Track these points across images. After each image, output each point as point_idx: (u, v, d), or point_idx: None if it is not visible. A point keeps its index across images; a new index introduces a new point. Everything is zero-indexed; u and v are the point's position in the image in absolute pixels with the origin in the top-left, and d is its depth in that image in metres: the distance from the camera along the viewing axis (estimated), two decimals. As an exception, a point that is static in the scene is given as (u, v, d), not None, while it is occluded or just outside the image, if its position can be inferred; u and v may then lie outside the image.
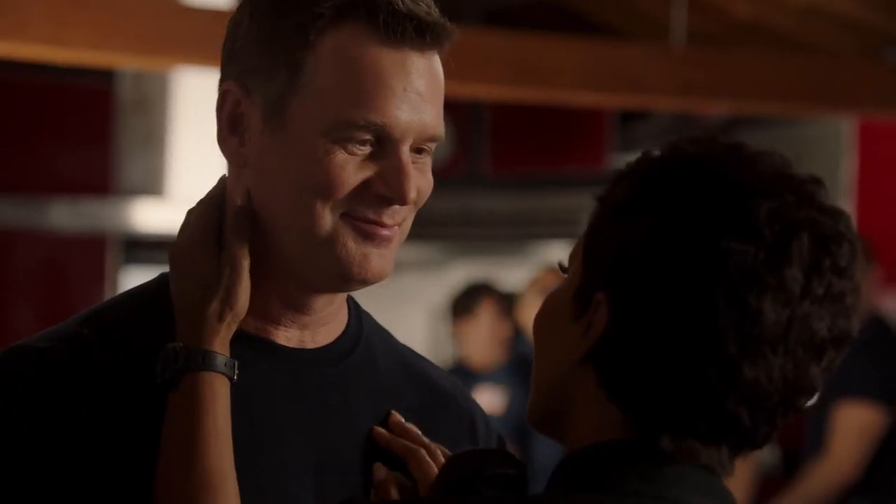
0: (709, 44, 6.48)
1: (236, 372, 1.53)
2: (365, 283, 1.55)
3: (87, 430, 1.50)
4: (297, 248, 1.55)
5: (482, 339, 6.02)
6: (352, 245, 1.53)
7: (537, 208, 7.69)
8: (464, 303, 6.07)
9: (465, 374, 5.76)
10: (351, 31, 1.52)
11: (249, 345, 1.57)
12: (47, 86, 7.11)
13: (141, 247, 6.90)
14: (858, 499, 5.17)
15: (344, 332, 1.65)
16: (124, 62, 5.20)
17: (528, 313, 6.00)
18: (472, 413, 1.74)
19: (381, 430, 1.62)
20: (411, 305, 7.97)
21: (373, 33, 1.51)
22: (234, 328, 1.54)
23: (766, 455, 6.12)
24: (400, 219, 1.55)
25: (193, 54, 4.64)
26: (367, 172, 1.52)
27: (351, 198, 1.52)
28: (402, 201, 1.53)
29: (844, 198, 6.69)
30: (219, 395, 1.51)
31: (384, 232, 1.54)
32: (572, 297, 1.47)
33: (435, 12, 1.53)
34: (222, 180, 1.61)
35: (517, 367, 5.89)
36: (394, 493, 1.58)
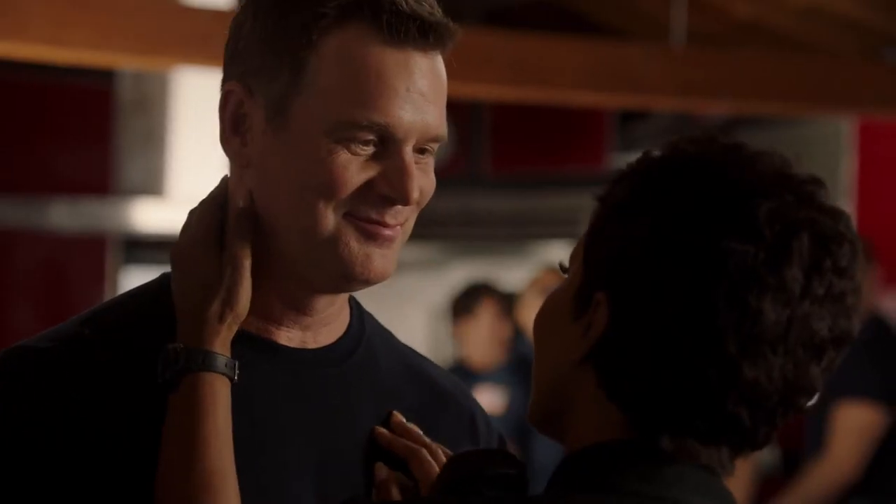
0: (709, 44, 6.48)
1: (237, 372, 1.53)
2: (367, 283, 1.55)
3: (88, 431, 1.50)
4: (299, 249, 1.55)
5: (482, 339, 6.02)
6: (354, 245, 1.53)
7: (537, 208, 7.69)
8: (464, 303, 6.07)
9: (465, 374, 5.76)
10: (354, 31, 1.52)
11: (251, 345, 1.57)
12: (47, 86, 7.11)
13: (141, 247, 6.90)
14: (858, 499, 5.17)
15: (346, 333, 1.65)
16: (124, 62, 5.20)
17: (528, 313, 6.00)
18: (472, 412, 1.74)
19: (383, 430, 1.62)
20: (411, 305, 7.97)
21: (376, 33, 1.51)
22: (235, 329, 1.54)
23: (766, 455, 6.11)
24: (402, 219, 1.55)
25: (193, 54, 4.64)
26: (370, 172, 1.52)
27: (354, 198, 1.52)
28: (405, 201, 1.53)
29: (844, 198, 6.69)
30: (219, 395, 1.51)
31: (387, 232, 1.54)
32: (573, 297, 1.47)
33: (438, 12, 1.53)
34: (224, 181, 1.61)
35: (517, 367, 5.89)
36: (395, 493, 1.58)
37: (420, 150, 1.55)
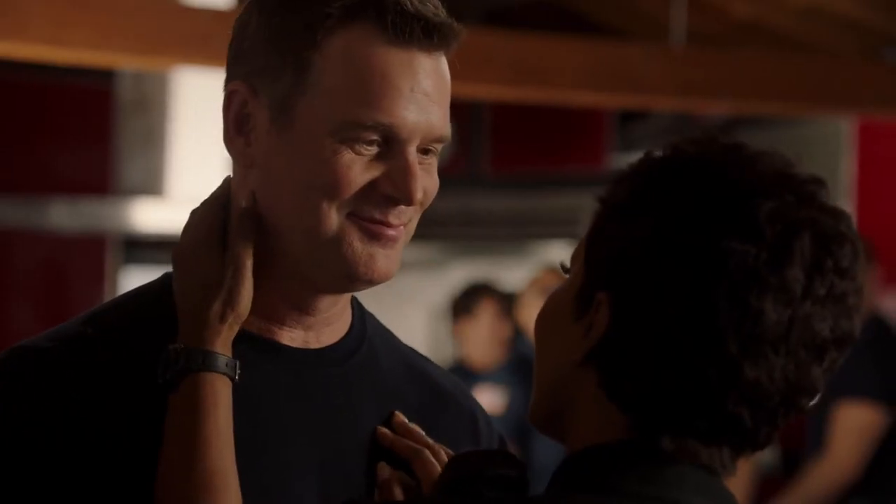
0: (709, 44, 6.48)
1: (238, 372, 1.53)
2: (371, 283, 1.55)
3: (90, 430, 1.50)
4: (302, 248, 1.55)
5: (482, 339, 6.02)
6: (358, 245, 1.53)
7: (537, 208, 7.69)
8: (464, 303, 6.07)
9: (465, 374, 5.76)
10: (359, 32, 1.52)
11: (253, 345, 1.57)
12: (47, 86, 7.11)
13: (141, 247, 6.90)
14: (858, 499, 5.17)
15: (348, 333, 1.65)
16: (124, 62, 5.20)
17: (528, 313, 6.00)
18: (473, 412, 1.74)
19: (385, 430, 1.62)
20: (411, 305, 7.97)
21: (381, 34, 1.51)
22: (236, 329, 1.54)
23: (766, 455, 6.11)
24: (406, 219, 1.56)
25: (193, 54, 4.64)
26: (374, 173, 1.52)
27: (357, 198, 1.52)
28: (409, 202, 1.53)
29: (844, 198, 6.69)
30: (220, 395, 1.51)
31: (390, 232, 1.54)
32: (574, 297, 1.47)
33: (442, 13, 1.54)
34: (227, 181, 1.61)
35: (517, 367, 5.89)
36: (398, 493, 1.58)
37: (424, 151, 1.55)
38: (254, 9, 1.56)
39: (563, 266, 1.53)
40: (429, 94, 1.53)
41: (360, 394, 1.62)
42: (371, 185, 1.52)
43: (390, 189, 1.52)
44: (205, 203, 1.60)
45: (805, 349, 1.40)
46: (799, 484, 5.30)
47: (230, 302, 1.53)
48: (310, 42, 1.52)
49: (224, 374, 1.51)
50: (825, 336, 1.41)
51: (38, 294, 7.35)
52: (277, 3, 1.54)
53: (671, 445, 1.41)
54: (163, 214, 5.27)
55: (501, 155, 8.10)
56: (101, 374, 1.53)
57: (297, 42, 1.52)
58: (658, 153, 1.48)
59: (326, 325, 1.62)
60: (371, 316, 1.71)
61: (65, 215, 5.76)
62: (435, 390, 1.71)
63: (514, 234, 8.00)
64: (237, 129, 1.57)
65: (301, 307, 1.59)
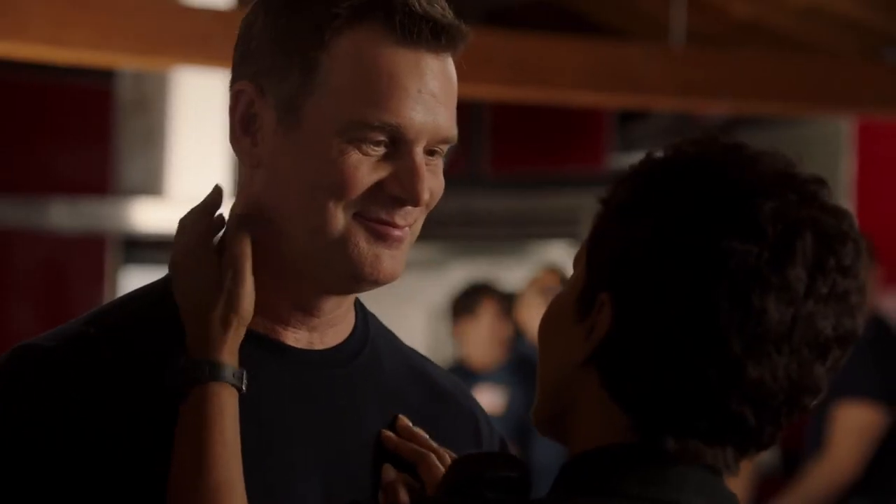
0: (709, 44, 6.48)
1: (245, 382, 1.52)
2: (376, 283, 1.55)
3: (91, 430, 1.50)
4: (308, 249, 1.55)
5: (482, 339, 6.01)
6: (364, 245, 1.53)
7: (537, 208, 7.69)
8: (464, 303, 6.07)
9: (465, 374, 5.76)
10: (367, 32, 1.52)
11: (258, 344, 1.57)
12: (47, 86, 7.11)
13: (140, 247, 6.91)
14: (858, 499, 5.16)
15: (351, 334, 1.65)
16: (124, 62, 5.20)
17: (528, 313, 6.01)
18: (473, 412, 1.74)
19: (390, 433, 1.62)
20: (411, 305, 7.97)
21: (389, 34, 1.51)
22: (242, 332, 1.54)
23: (766, 455, 6.10)
24: (412, 220, 1.56)
25: (193, 54, 4.64)
26: (381, 173, 1.52)
27: (364, 198, 1.52)
28: (416, 202, 1.53)
29: (844, 198, 6.69)
30: (226, 406, 1.50)
31: (396, 233, 1.54)
32: (576, 299, 1.47)
33: (450, 14, 1.54)
34: (217, 190, 1.60)
35: (517, 367, 5.89)
36: (403, 495, 1.58)
37: (430, 152, 1.55)
38: (260, 9, 1.56)
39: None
40: (436, 95, 1.53)
41: (363, 395, 1.62)
42: (378, 186, 1.52)
43: (397, 190, 1.52)
44: (192, 211, 1.59)
45: (808, 348, 1.40)
46: (799, 484, 5.30)
47: (232, 305, 1.53)
48: (317, 42, 1.51)
49: (231, 384, 1.51)
50: (828, 335, 1.41)
51: (38, 294, 7.35)
52: (284, 3, 1.54)
53: (674, 446, 1.41)
54: (163, 214, 5.27)
55: (501, 155, 8.10)
56: (103, 375, 1.53)
57: (304, 42, 1.52)
58: (659, 154, 1.48)
59: (331, 327, 1.62)
60: (373, 317, 1.71)
61: (65, 215, 5.76)
62: (435, 391, 1.71)
63: (514, 234, 8.00)
64: (243, 129, 1.56)
65: (306, 308, 1.59)
